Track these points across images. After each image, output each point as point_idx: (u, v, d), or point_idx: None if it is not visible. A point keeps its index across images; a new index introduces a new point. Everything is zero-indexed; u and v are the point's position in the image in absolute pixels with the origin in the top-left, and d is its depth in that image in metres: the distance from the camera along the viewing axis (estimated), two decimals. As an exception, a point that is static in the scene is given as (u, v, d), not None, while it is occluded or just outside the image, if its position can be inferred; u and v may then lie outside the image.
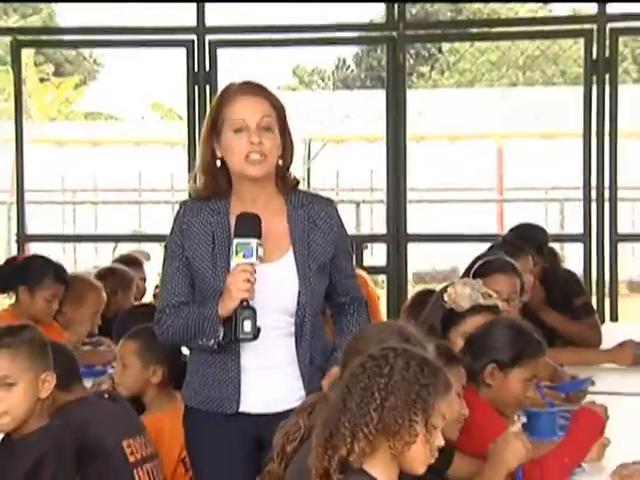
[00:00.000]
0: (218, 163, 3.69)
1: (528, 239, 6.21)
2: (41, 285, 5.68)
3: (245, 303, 3.52)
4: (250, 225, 3.57)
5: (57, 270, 5.83)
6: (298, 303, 3.67)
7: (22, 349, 3.52)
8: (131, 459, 3.95)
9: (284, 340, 3.67)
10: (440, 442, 2.81)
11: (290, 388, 3.63)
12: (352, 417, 2.77)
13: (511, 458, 3.36)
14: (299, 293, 3.67)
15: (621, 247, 8.51)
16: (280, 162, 3.70)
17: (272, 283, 3.61)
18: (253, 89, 3.67)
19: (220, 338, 3.57)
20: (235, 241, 3.56)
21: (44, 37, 12.04)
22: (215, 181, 3.71)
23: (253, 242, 3.54)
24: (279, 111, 3.69)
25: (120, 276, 6.53)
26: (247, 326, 3.52)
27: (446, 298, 4.33)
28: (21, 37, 9.44)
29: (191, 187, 3.82)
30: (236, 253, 3.54)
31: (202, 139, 3.72)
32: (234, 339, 3.56)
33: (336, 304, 3.83)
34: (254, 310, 3.53)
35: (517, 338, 3.97)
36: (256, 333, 3.54)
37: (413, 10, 27.74)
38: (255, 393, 3.66)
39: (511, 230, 6.62)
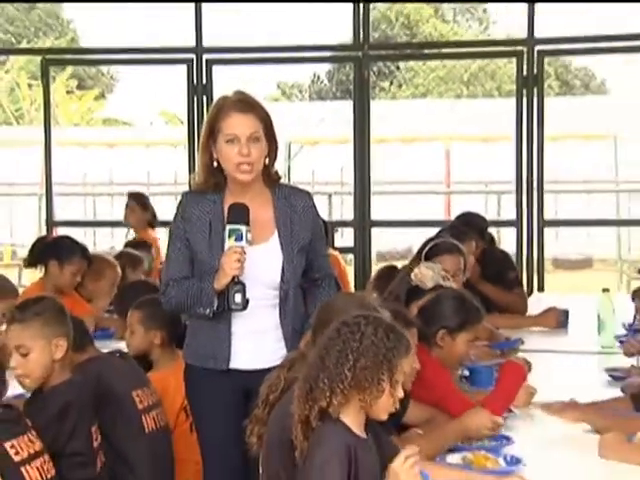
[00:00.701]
0: (215, 164, 3.68)
1: (472, 225, 6.23)
2: (70, 260, 5.67)
3: (236, 279, 3.53)
4: (240, 214, 3.56)
5: (83, 249, 5.84)
6: (282, 278, 3.66)
7: (33, 321, 3.51)
8: (139, 406, 3.95)
9: (269, 310, 3.66)
10: (401, 394, 2.82)
11: (273, 349, 3.62)
12: (330, 375, 2.77)
13: (474, 431, 3.37)
14: (283, 269, 3.66)
15: (547, 231, 8.55)
16: (267, 161, 3.69)
17: (260, 261, 3.61)
18: (245, 107, 3.61)
19: (214, 308, 3.57)
20: (228, 227, 3.56)
21: (68, 56, 12.00)
22: (213, 178, 3.69)
23: (243, 228, 3.54)
24: (266, 122, 3.65)
25: (130, 257, 6.50)
26: (238, 298, 3.54)
27: (413, 277, 4.37)
28: (49, 57, 9.40)
29: (193, 182, 3.80)
30: (229, 237, 3.54)
31: (201, 143, 3.69)
32: (227, 309, 3.57)
33: (311, 279, 3.82)
34: (244, 285, 3.54)
35: (462, 307, 3.99)
36: (245, 304, 3.55)
37: (376, 34, 27.73)
38: (244, 353, 3.65)
39: (457, 217, 6.62)
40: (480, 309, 4.06)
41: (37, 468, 3.17)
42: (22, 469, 3.12)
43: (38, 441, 3.23)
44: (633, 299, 5.64)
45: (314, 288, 3.81)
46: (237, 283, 3.53)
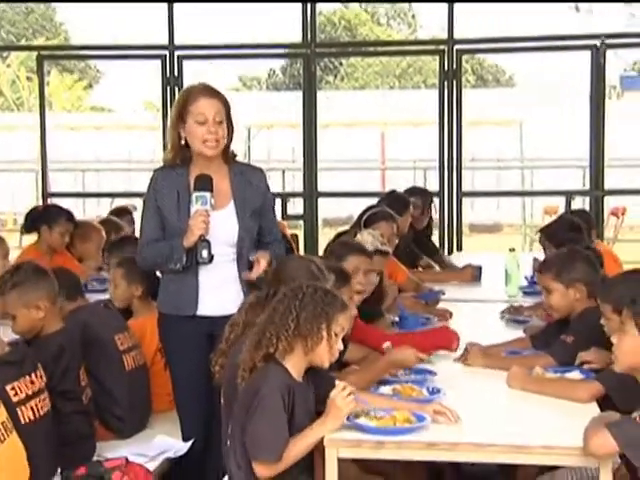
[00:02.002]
0: (183, 142, 3.65)
1: (422, 194, 6.31)
2: (58, 223, 5.72)
3: (202, 237, 3.53)
4: (205, 183, 3.57)
5: (68, 213, 5.88)
6: (238, 237, 3.65)
7: (10, 294, 3.47)
8: (120, 348, 3.93)
9: (229, 264, 3.64)
10: (340, 346, 2.85)
11: (233, 298, 3.58)
12: (276, 326, 2.81)
13: (399, 362, 3.38)
14: (239, 230, 3.65)
15: (464, 200, 8.58)
16: (226, 141, 3.68)
17: (220, 224, 3.60)
18: (212, 93, 3.62)
19: (184, 262, 3.57)
20: (195, 194, 3.56)
21: (59, 52, 11.81)
22: (181, 154, 3.68)
23: (207, 195, 3.55)
24: (227, 108, 3.65)
25: (113, 224, 6.43)
26: (204, 253, 3.55)
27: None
28: (43, 52, 9.24)
29: (165, 157, 3.77)
30: (196, 202, 3.55)
31: (171, 125, 3.68)
32: (195, 263, 3.56)
33: (264, 242, 3.80)
34: (209, 242, 3.55)
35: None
36: (210, 258, 3.56)
37: (322, 36, 27.56)
38: (208, 301, 3.63)
39: (406, 190, 6.57)
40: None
41: (32, 407, 3.13)
42: (18, 410, 3.07)
43: (38, 380, 3.19)
44: (540, 239, 5.67)
45: (264, 249, 3.80)
46: (203, 241, 3.54)
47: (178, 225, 3.59)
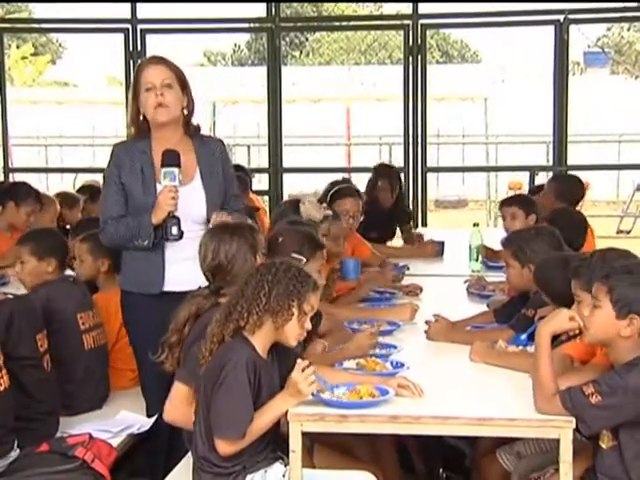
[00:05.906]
0: (142, 117, 3.65)
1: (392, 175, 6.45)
2: (26, 202, 5.61)
3: (171, 214, 3.52)
4: (173, 158, 3.55)
5: (37, 193, 5.76)
6: (207, 212, 3.62)
7: None
8: (82, 328, 3.91)
9: (196, 240, 3.57)
10: (308, 326, 2.84)
11: (199, 272, 3.56)
12: (247, 300, 2.79)
13: (359, 352, 3.36)
14: (207, 205, 3.63)
15: (429, 176, 8.62)
16: (185, 112, 3.68)
17: (187, 200, 3.57)
18: (156, 60, 3.65)
19: (152, 239, 3.54)
20: (163, 170, 3.53)
21: (20, 25, 11.65)
22: (140, 129, 3.66)
23: (176, 170, 3.53)
24: (177, 73, 3.65)
25: (68, 197, 6.35)
26: (174, 230, 3.53)
27: (303, 214, 4.32)
28: (3, 25, 9.11)
29: (128, 133, 3.76)
30: (164, 178, 3.52)
31: (129, 101, 3.68)
32: (164, 239, 3.54)
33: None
34: (178, 219, 3.53)
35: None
36: (181, 235, 3.55)
37: (288, 11, 27.40)
38: (175, 277, 3.59)
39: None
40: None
41: None
42: None
43: None
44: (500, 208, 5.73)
45: None
46: (173, 217, 3.52)
47: (144, 201, 3.56)
